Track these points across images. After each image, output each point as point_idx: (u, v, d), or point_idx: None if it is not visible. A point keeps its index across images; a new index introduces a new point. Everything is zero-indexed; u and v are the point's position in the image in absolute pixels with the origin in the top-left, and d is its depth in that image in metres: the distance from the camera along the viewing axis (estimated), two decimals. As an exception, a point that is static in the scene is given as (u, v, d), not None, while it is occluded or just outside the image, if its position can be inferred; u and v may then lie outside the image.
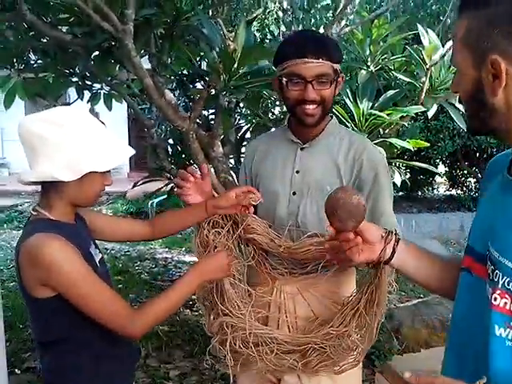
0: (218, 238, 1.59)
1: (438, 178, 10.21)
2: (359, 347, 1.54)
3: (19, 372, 3.27)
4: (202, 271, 1.43)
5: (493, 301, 0.93)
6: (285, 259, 1.65)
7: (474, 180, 9.83)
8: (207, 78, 2.97)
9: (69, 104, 4.49)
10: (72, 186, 1.31)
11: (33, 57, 3.97)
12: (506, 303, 0.92)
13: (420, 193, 9.83)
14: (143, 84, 2.63)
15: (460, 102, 2.97)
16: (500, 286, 0.93)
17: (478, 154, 8.93)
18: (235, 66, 2.45)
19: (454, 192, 10.16)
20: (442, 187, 10.56)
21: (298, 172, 1.66)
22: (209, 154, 3.09)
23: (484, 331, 0.95)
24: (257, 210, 1.72)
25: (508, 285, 0.92)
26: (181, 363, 3.37)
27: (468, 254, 1.07)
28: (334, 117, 1.73)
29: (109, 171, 1.37)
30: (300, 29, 4.79)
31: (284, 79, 1.58)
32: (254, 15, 2.58)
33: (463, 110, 3.05)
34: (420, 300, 3.88)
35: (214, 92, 2.88)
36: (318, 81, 1.54)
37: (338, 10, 2.88)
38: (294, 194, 1.65)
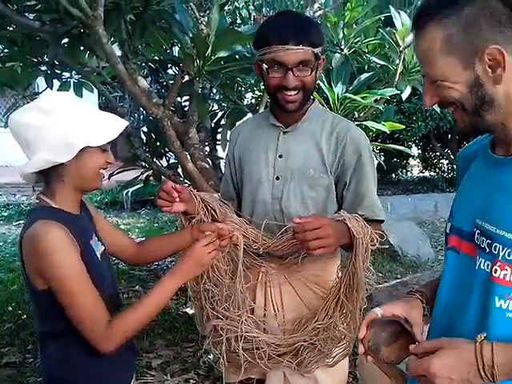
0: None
1: (411, 161, 10.36)
2: (347, 336, 1.57)
3: (-3, 367, 3.21)
4: (180, 273, 1.39)
5: (493, 273, 0.97)
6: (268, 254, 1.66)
7: (447, 161, 9.99)
8: (180, 64, 2.93)
9: (38, 93, 4.39)
10: (71, 167, 1.29)
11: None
12: (505, 275, 0.95)
13: (394, 175, 9.96)
14: (116, 71, 2.58)
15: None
16: (500, 257, 0.96)
17: (450, 136, 9.07)
18: (209, 50, 2.42)
19: (427, 174, 10.33)
20: (415, 169, 10.72)
21: (280, 156, 1.65)
22: (184, 141, 3.07)
23: (477, 306, 0.99)
24: (241, 194, 1.74)
25: (509, 256, 0.95)
26: (163, 352, 3.34)
27: (454, 233, 1.10)
28: (315, 100, 1.72)
29: (108, 149, 1.35)
30: (273, 12, 4.75)
31: (264, 65, 1.55)
32: (227, -1, 2.54)
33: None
34: (398, 280, 3.94)
35: (187, 78, 2.84)
36: (299, 68, 1.51)
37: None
38: (278, 178, 1.64)
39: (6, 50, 3.80)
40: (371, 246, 1.45)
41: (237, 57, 2.70)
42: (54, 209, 1.32)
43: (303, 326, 1.57)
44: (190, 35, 2.52)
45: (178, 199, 1.53)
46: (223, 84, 3.01)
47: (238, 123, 3.20)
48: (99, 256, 1.40)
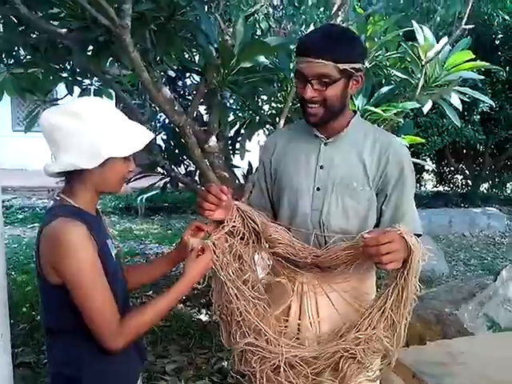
0: (228, 245, 1.54)
1: (425, 175, 10.33)
2: (389, 349, 1.52)
3: (11, 367, 3.22)
4: (189, 280, 1.43)
5: None
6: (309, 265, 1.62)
7: (462, 177, 9.95)
8: (202, 74, 2.95)
9: (58, 99, 4.44)
10: (95, 173, 1.33)
11: (22, 52, 3.92)
12: None
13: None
14: (141, 79, 2.61)
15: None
16: None
17: (465, 151, 9.04)
18: (234, 61, 2.45)
19: (441, 188, 10.28)
20: (429, 184, 10.68)
21: (322, 167, 1.61)
22: (204, 149, 3.09)
23: None
24: (278, 206, 1.70)
25: None
26: (177, 357, 3.34)
27: None
28: (357, 112, 1.70)
29: (130, 158, 1.39)
30: (290, 25, 4.78)
31: (294, 76, 1.58)
32: (253, 10, 2.56)
33: (457, 106, 3.09)
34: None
35: (209, 88, 2.87)
36: (320, 81, 1.49)
37: (335, 8, 2.88)
38: (318, 189, 1.61)
39: (28, 56, 3.87)
40: (422, 260, 1.42)
41: (259, 68, 2.73)
42: (75, 208, 1.35)
43: (341, 336, 1.52)
44: (215, 45, 2.54)
45: (224, 203, 1.50)
46: (244, 94, 3.02)
47: (268, 133, 3.20)
48: (114, 257, 1.44)
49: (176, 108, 2.91)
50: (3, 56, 3.82)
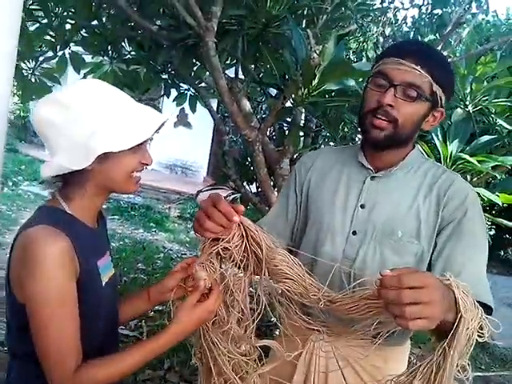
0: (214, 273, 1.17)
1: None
2: None
3: None
4: (183, 331, 1.12)
5: None
6: (323, 313, 1.29)
7: None
8: (282, 90, 2.79)
9: (152, 100, 4.47)
10: (96, 172, 1.08)
11: (127, 48, 3.98)
12: None
13: (503, 253, 9.13)
14: (217, 86, 2.49)
15: None
16: None
17: None
18: (316, 80, 2.25)
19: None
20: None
21: (362, 206, 1.31)
22: (274, 171, 2.92)
23: None
24: (299, 240, 1.41)
25: None
26: (201, 386, 3.10)
27: None
28: (417, 146, 1.39)
29: (143, 147, 1.12)
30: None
31: (369, 79, 1.29)
32: (347, 30, 2.35)
33: None
34: (479, 374, 3.43)
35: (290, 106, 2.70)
36: (407, 91, 1.21)
37: (440, 39, 2.61)
38: (355, 233, 1.31)
39: (132, 53, 3.92)
40: (478, 335, 0.98)
41: (347, 92, 2.51)
42: (66, 215, 1.11)
43: None
44: (301, 62, 2.37)
45: (235, 225, 1.12)
46: (328, 119, 2.81)
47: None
48: (104, 281, 1.17)
49: (252, 123, 2.77)
50: (108, 48, 3.90)
